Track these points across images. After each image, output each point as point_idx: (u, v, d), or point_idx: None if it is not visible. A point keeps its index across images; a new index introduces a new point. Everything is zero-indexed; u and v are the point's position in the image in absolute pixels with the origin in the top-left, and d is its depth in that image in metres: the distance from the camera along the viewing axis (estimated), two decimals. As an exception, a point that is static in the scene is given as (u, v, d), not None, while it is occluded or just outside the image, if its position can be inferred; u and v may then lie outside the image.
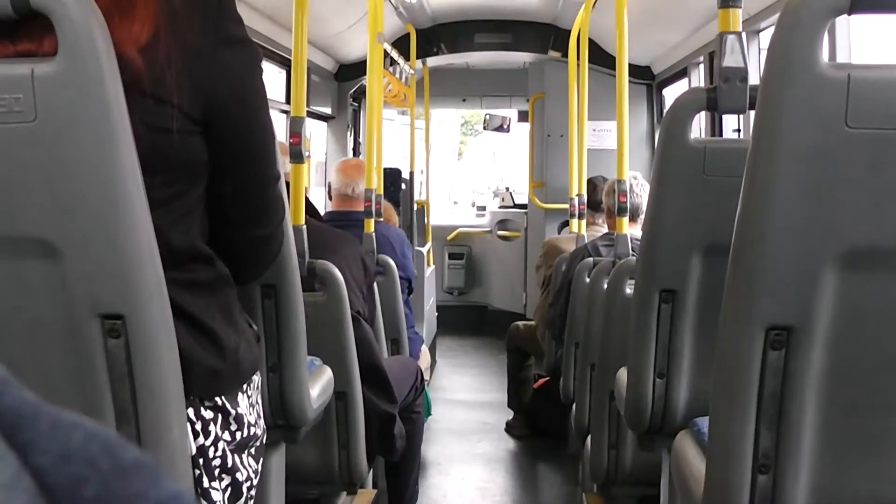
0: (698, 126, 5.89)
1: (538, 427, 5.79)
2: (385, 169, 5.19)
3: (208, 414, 1.53)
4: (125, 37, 1.37)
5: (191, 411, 1.49)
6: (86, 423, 0.35)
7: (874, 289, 1.33)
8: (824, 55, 1.27)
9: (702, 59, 5.99)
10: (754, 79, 1.78)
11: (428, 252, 7.44)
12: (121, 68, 1.31)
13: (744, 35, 2.00)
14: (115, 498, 0.34)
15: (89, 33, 1.25)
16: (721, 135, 5.49)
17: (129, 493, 0.34)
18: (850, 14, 1.27)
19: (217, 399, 1.54)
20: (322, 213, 3.99)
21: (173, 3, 1.41)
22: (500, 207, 9.92)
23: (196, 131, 1.46)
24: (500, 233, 9.49)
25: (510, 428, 5.98)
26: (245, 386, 1.60)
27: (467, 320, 9.47)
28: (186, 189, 1.49)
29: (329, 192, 4.61)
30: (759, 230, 1.31)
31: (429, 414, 5.18)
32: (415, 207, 7.25)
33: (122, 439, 0.35)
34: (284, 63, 5.86)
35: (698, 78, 6.36)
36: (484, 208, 10.83)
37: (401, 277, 4.51)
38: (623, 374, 2.41)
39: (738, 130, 5.37)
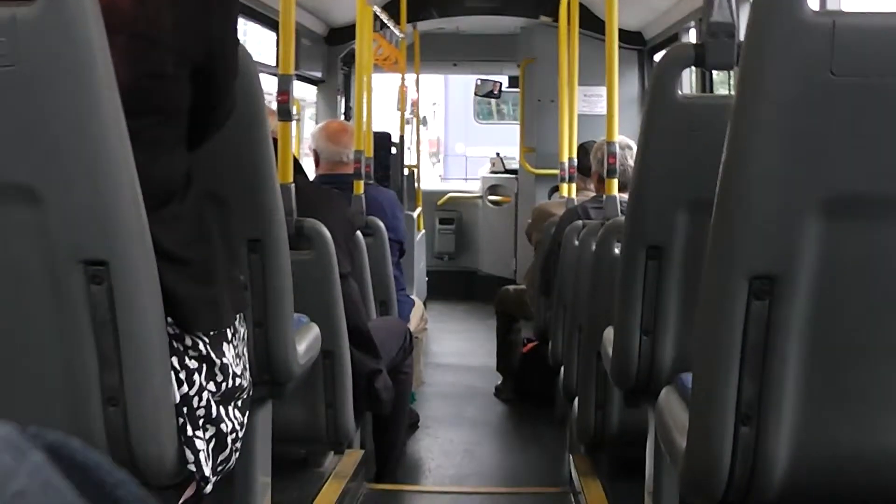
0: (689, 85, 5.88)
1: (526, 391, 5.81)
2: (374, 133, 5.17)
3: (193, 364, 1.53)
4: None
5: (175, 360, 1.49)
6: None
7: (857, 236, 1.33)
8: (813, 3, 1.27)
9: (692, 24, 5.96)
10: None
11: (418, 217, 7.43)
12: (111, 12, 1.30)
13: (732, -9, 1.99)
14: None
15: (70, -23, 1.24)
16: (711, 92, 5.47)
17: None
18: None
19: (202, 348, 1.54)
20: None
21: None
22: (490, 173, 9.90)
23: (185, 76, 1.47)
24: (491, 198, 9.47)
25: (498, 392, 6.00)
26: (231, 335, 1.60)
27: (457, 285, 9.47)
28: (172, 129, 1.49)
29: (316, 159, 4.55)
30: (741, 179, 1.31)
31: (413, 401, 5.19)
32: (405, 172, 7.22)
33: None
34: (274, 25, 5.81)
35: (689, 43, 6.32)
36: None
37: (391, 240, 4.49)
38: (610, 333, 2.41)
39: (730, 88, 5.35)
